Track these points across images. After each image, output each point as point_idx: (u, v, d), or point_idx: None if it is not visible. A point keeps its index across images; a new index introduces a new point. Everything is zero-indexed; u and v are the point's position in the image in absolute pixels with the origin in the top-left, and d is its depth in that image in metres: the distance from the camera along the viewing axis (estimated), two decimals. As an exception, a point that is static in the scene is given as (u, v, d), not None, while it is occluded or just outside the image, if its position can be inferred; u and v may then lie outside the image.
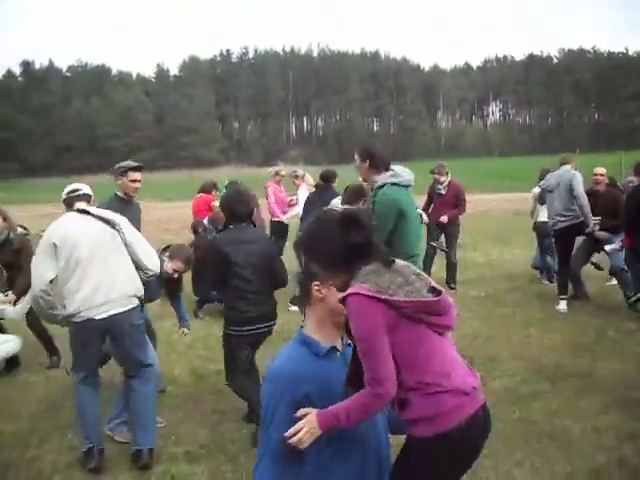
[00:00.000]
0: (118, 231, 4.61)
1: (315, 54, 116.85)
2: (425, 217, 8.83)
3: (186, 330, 6.06)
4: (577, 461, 4.46)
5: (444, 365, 2.32)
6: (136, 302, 4.64)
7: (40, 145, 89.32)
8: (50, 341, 6.97)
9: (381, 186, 5.42)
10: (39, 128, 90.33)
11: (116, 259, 4.57)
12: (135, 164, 5.95)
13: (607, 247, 8.58)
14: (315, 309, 2.48)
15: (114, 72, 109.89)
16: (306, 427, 2.26)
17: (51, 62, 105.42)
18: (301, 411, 2.29)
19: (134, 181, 5.77)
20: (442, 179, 10.42)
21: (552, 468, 4.39)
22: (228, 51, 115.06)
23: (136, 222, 5.54)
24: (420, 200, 10.59)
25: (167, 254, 5.56)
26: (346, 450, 2.41)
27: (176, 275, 5.59)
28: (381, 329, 2.24)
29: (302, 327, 2.53)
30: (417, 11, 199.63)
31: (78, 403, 4.73)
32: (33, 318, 6.69)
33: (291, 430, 2.25)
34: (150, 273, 4.75)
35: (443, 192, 10.39)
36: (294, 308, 8.58)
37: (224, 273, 5.03)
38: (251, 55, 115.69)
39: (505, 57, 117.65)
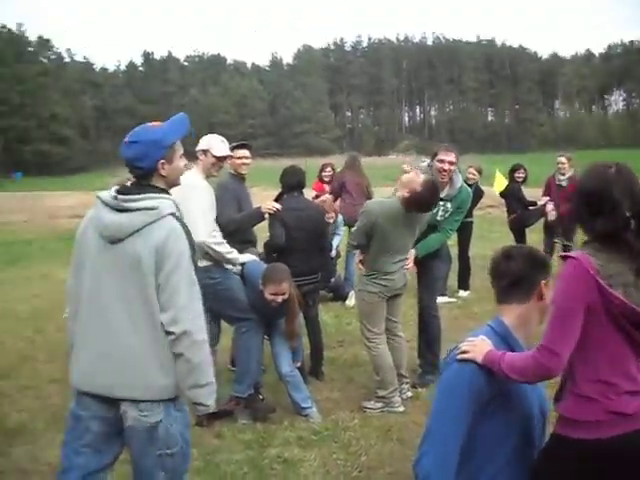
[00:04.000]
0: None
1: (429, 42, 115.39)
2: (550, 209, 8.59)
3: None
4: None
5: (613, 379, 2.24)
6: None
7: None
8: None
9: None
10: (158, 116, 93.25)
11: None
12: (240, 142, 6.18)
13: None
14: (527, 305, 2.43)
15: (229, 61, 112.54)
16: (477, 347, 2.31)
17: (170, 53, 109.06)
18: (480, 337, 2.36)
19: (240, 158, 5.93)
20: (565, 171, 9.94)
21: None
22: (342, 40, 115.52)
23: (249, 201, 6.01)
24: (537, 192, 10.30)
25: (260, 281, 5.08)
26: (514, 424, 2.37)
27: (279, 299, 5.03)
28: (581, 306, 2.19)
29: (500, 317, 2.48)
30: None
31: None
32: None
33: (465, 345, 2.34)
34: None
35: (564, 184, 9.96)
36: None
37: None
38: (365, 44, 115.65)
39: (632, 42, 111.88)
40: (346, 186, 8.97)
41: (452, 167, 5.60)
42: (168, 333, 2.73)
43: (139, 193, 2.80)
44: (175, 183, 2.99)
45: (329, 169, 9.77)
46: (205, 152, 5.18)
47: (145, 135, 2.86)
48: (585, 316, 2.18)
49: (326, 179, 9.66)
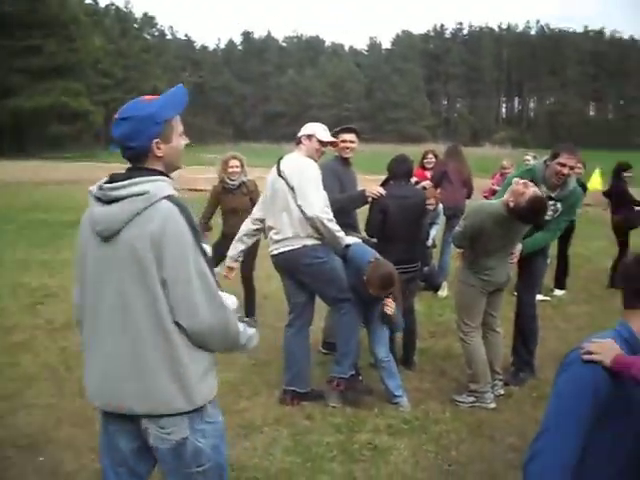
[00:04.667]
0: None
1: (533, 32, 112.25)
2: None
3: None
4: None
5: None
6: (301, 243, 5.00)
7: (254, 112, 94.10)
8: (253, 300, 7.40)
9: None
10: (254, 96, 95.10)
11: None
12: (346, 126, 6.23)
13: None
14: None
15: (327, 44, 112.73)
16: (606, 350, 2.23)
17: (269, 33, 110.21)
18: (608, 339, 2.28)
19: (344, 141, 5.98)
20: None
21: None
22: (442, 26, 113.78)
23: (353, 183, 6.14)
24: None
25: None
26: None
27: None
28: None
29: (626, 323, 2.39)
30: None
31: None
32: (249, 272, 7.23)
33: (592, 345, 2.25)
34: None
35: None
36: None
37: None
38: (465, 31, 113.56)
39: None
40: (448, 174, 8.83)
41: (572, 172, 5.43)
42: (189, 335, 2.41)
43: (129, 178, 2.42)
44: (175, 165, 2.58)
45: (431, 156, 9.61)
46: (310, 137, 5.23)
47: (136, 110, 2.47)
48: None
49: (428, 166, 9.52)
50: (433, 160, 9.55)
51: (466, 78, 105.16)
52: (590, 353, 2.24)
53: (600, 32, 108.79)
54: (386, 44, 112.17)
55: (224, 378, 5.65)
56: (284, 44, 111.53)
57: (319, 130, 5.27)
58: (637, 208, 9.33)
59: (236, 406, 5.17)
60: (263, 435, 4.74)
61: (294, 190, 4.97)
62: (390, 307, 5.07)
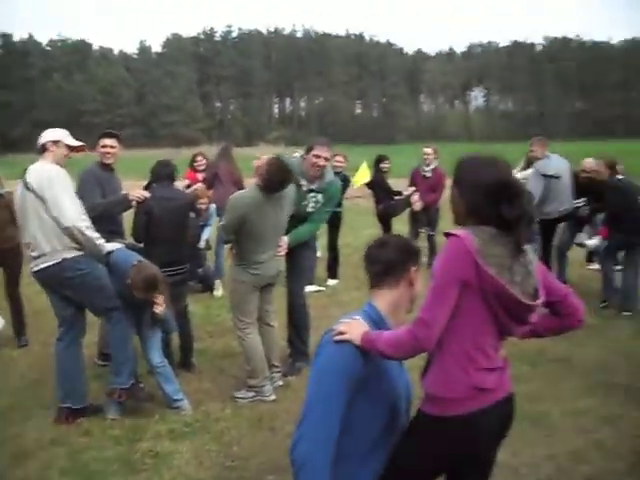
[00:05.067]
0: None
1: (299, 35, 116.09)
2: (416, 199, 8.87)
3: None
4: (557, 444, 4.54)
5: (474, 354, 2.36)
6: (60, 257, 4.76)
7: (20, 120, 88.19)
8: (21, 317, 7.01)
9: None
10: (19, 102, 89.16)
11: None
12: (105, 131, 6.19)
13: (588, 242, 8.80)
14: (398, 291, 2.55)
15: (95, 47, 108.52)
16: (354, 328, 2.39)
17: (31, 36, 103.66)
18: (355, 317, 2.45)
19: (104, 146, 5.94)
20: (430, 162, 10.28)
21: (533, 451, 4.45)
22: (212, 29, 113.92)
23: (116, 189, 6.05)
24: (403, 183, 10.61)
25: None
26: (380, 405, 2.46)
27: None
28: (458, 281, 2.29)
29: (373, 303, 2.57)
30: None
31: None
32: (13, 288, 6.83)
33: (341, 326, 2.41)
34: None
35: (429, 175, 10.31)
36: None
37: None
38: (235, 34, 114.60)
39: (489, 43, 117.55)
40: (219, 176, 8.91)
41: (326, 163, 5.70)
42: None
43: None
44: None
45: (201, 158, 9.67)
46: (56, 143, 5.02)
47: None
48: (460, 291, 2.30)
49: (199, 168, 9.56)
50: (203, 162, 9.63)
51: (238, 80, 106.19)
52: (341, 333, 2.39)
53: (361, 36, 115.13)
54: (156, 48, 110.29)
55: (-10, 405, 5.33)
56: (48, 48, 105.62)
57: (64, 135, 5.09)
58: (396, 197, 10.01)
59: (5, 434, 4.85)
60: (37, 460, 4.48)
61: (45, 201, 4.70)
62: (159, 307, 5.01)
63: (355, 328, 2.40)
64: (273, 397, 5.38)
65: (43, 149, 5.01)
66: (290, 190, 5.40)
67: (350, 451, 2.41)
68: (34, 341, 6.86)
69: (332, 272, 9.56)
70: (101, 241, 4.90)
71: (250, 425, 4.93)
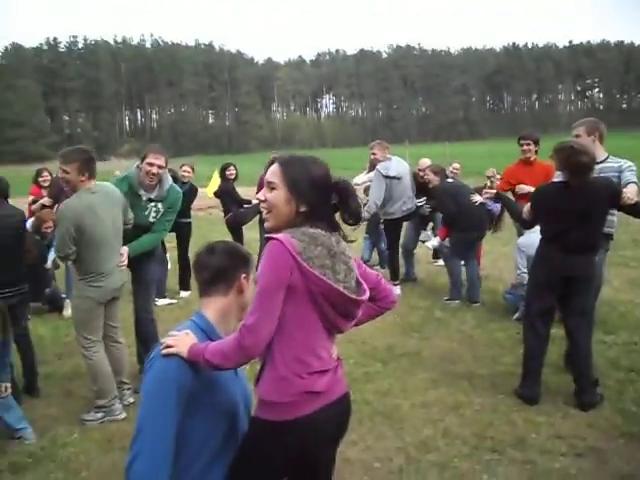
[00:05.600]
0: None
1: (148, 45, 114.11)
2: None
3: None
4: (407, 435, 4.66)
5: (306, 358, 2.36)
6: None
7: None
8: None
9: None
10: None
11: None
12: None
13: (428, 243, 9.24)
14: (227, 299, 2.50)
15: None
16: (181, 342, 2.32)
17: None
18: (184, 331, 2.39)
19: None
20: None
21: (384, 444, 4.55)
22: (55, 39, 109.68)
23: None
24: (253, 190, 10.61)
25: None
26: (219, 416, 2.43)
27: None
28: (282, 284, 2.26)
29: (201, 312, 2.51)
30: (251, 3, 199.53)
31: None
32: None
33: (168, 339, 2.34)
34: None
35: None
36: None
37: None
38: (80, 45, 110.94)
39: (337, 51, 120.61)
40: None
41: (161, 170, 5.56)
42: None
43: None
44: None
45: (46, 174, 9.27)
46: None
47: None
48: (286, 296, 2.28)
49: (44, 184, 9.15)
50: (48, 178, 9.26)
51: (86, 92, 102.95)
52: (168, 347, 2.33)
53: (211, 45, 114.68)
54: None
55: None
56: None
57: None
58: (246, 205, 10.00)
59: None
60: None
61: None
62: None
63: (182, 341, 2.34)
64: (124, 415, 5.18)
65: None
66: (117, 192, 5.26)
67: (189, 463, 2.35)
68: None
69: (184, 284, 9.40)
70: None
71: (100, 447, 4.71)
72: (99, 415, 5.14)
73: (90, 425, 5.08)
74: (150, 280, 6.01)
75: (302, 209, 2.39)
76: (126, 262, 5.34)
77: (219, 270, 2.51)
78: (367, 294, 2.47)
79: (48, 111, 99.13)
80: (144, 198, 5.57)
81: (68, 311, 8.33)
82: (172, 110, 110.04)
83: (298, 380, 2.33)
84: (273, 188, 2.45)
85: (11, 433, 4.87)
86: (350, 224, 2.47)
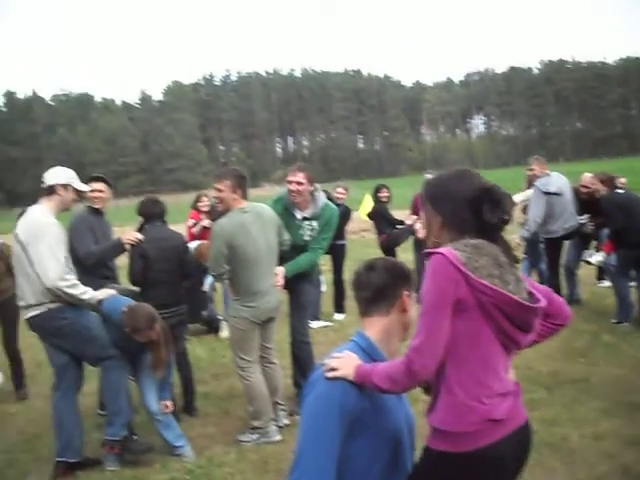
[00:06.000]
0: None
1: (298, 74, 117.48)
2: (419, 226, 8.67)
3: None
4: (579, 470, 4.29)
5: (486, 380, 2.18)
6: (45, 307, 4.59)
7: (25, 175, 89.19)
8: (21, 370, 6.84)
9: None
10: (25, 158, 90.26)
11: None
12: (94, 175, 5.99)
13: (592, 259, 8.61)
14: (389, 318, 2.38)
15: (98, 99, 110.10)
16: (346, 363, 2.23)
17: (34, 92, 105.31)
18: (346, 352, 2.29)
19: (93, 191, 5.70)
20: None
21: (554, 479, 4.21)
22: (211, 75, 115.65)
23: (107, 234, 5.84)
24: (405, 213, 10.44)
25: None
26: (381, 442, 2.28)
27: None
28: (448, 300, 2.12)
29: (363, 332, 2.41)
30: (397, 28, 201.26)
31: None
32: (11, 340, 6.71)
33: (332, 361, 2.25)
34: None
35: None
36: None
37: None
38: (234, 78, 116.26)
39: (487, 70, 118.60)
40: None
41: (300, 187, 5.50)
42: None
43: None
44: None
45: (205, 199, 9.56)
46: (66, 187, 4.83)
47: None
48: (455, 312, 2.12)
49: (203, 209, 9.42)
50: (207, 203, 9.53)
51: (239, 123, 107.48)
52: (332, 369, 2.21)
53: (359, 71, 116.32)
54: (158, 96, 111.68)
55: (-12, 464, 5.13)
56: (52, 103, 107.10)
57: (73, 178, 4.90)
58: (399, 226, 9.84)
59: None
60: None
61: (29, 257, 4.53)
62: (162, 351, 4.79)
63: (347, 362, 2.22)
64: (279, 437, 5.15)
65: (51, 191, 4.81)
66: (270, 211, 5.27)
67: None
68: (35, 394, 6.66)
69: (338, 306, 9.36)
70: (88, 295, 4.66)
71: (255, 469, 4.69)
72: (255, 436, 5.13)
73: (246, 446, 5.09)
74: (306, 302, 5.96)
75: (450, 222, 2.25)
76: (282, 282, 5.31)
77: (380, 288, 2.38)
78: (543, 302, 2.24)
79: (204, 142, 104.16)
80: (298, 217, 5.55)
81: (225, 332, 8.51)
82: (322, 136, 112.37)
83: (478, 406, 2.13)
84: (424, 205, 2.36)
85: (170, 450, 4.96)
86: (495, 227, 2.26)
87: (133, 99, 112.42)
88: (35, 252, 4.52)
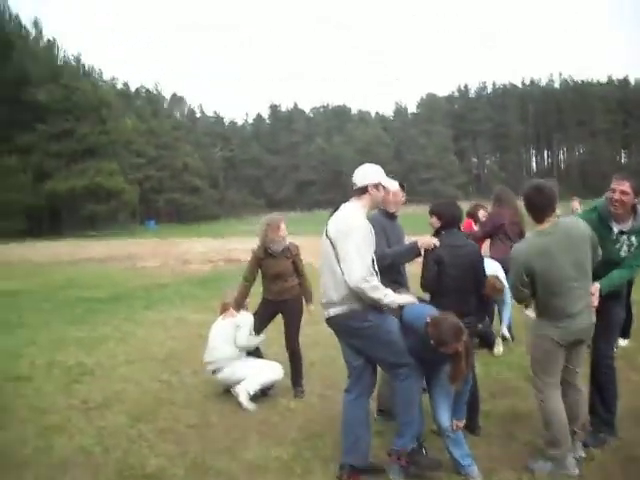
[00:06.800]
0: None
1: (557, 85, 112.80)
2: None
3: None
4: None
5: None
6: (349, 307, 4.55)
7: (285, 182, 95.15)
8: (300, 369, 6.93)
9: None
10: (284, 166, 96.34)
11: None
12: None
13: None
14: None
15: (354, 111, 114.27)
16: None
17: (296, 105, 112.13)
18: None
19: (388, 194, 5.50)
20: None
21: None
22: (466, 86, 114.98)
23: (400, 238, 5.78)
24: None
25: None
26: None
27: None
28: None
29: None
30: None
31: None
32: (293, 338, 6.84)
33: None
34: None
35: None
36: None
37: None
38: (489, 89, 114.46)
39: None
40: (504, 227, 8.42)
41: (624, 197, 4.92)
42: None
43: None
44: None
45: (483, 212, 9.29)
46: (377, 186, 4.77)
47: None
48: None
49: (483, 219, 9.20)
50: (486, 214, 9.22)
51: (493, 135, 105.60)
52: None
53: (625, 80, 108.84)
54: (412, 108, 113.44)
55: (274, 454, 5.21)
56: (311, 114, 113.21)
57: (382, 176, 4.82)
58: None
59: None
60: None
61: (337, 253, 4.52)
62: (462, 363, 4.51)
63: None
64: (577, 471, 4.63)
65: (364, 190, 4.79)
66: (581, 227, 4.72)
67: None
68: (310, 392, 6.73)
69: (624, 331, 8.43)
70: (388, 299, 4.51)
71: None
72: (548, 465, 4.67)
73: (538, 474, 4.65)
74: (615, 323, 5.36)
75: None
76: (597, 302, 4.80)
77: None
78: None
79: (457, 153, 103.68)
80: (615, 230, 4.99)
81: (499, 348, 8.09)
82: (581, 150, 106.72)
83: None
84: None
85: (457, 468, 4.68)
86: None
87: (387, 111, 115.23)
88: (342, 249, 4.48)
